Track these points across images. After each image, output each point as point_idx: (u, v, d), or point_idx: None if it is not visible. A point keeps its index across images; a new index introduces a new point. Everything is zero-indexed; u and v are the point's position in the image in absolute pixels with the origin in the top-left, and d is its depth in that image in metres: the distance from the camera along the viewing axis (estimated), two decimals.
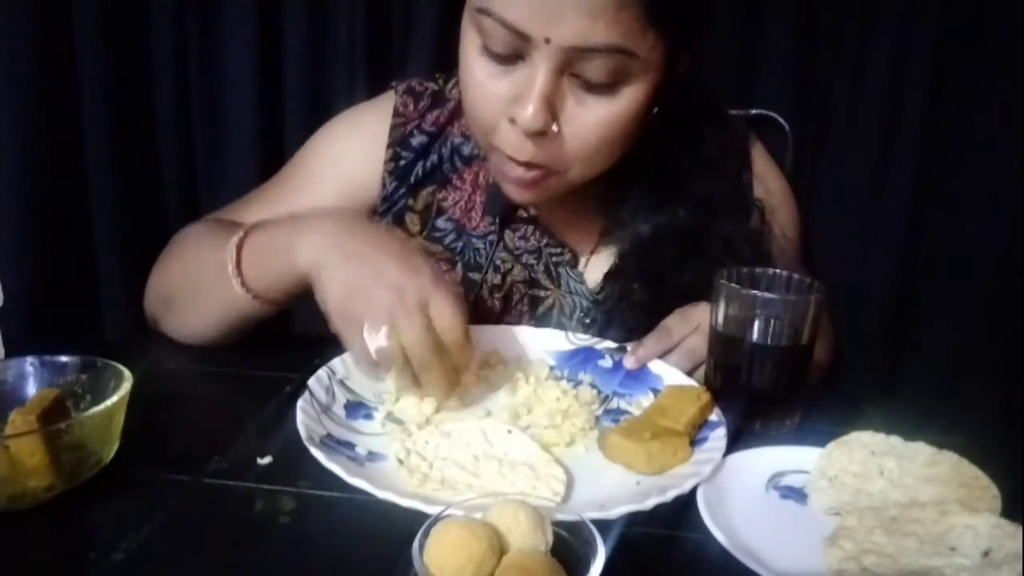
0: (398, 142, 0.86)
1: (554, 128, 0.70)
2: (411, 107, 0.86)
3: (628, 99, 0.70)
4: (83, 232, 1.02)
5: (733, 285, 0.66)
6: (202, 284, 0.74)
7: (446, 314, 0.61)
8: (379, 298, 0.61)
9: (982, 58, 0.98)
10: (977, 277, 1.02)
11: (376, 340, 0.60)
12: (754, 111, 1.05)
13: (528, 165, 0.72)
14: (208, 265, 0.73)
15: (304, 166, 0.88)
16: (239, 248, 0.70)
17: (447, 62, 0.94)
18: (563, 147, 0.71)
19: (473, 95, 0.73)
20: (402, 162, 0.86)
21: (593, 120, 0.70)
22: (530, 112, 0.68)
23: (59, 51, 0.96)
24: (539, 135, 0.69)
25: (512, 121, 0.70)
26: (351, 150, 0.87)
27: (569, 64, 0.67)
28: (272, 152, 1.07)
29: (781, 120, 1.06)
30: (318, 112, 1.05)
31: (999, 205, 1.00)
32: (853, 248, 1.07)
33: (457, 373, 0.66)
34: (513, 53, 0.68)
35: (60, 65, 0.96)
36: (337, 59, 1.07)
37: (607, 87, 0.69)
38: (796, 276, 0.70)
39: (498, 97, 0.70)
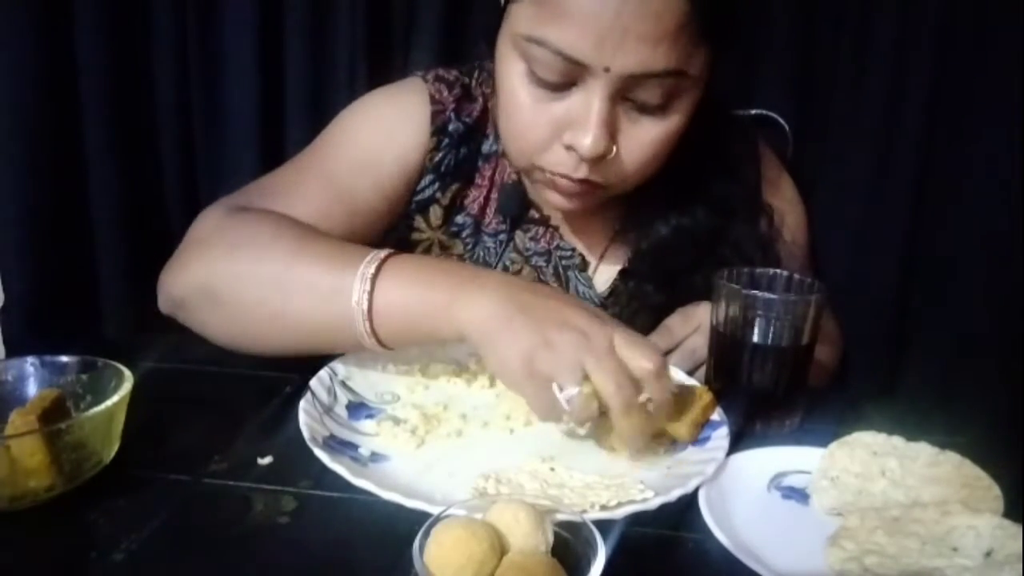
0: (440, 129, 0.82)
1: (612, 151, 0.69)
2: (445, 93, 0.83)
3: (678, 114, 0.70)
4: (83, 232, 1.02)
5: (733, 285, 0.66)
6: (294, 302, 0.64)
7: (638, 352, 0.56)
8: (564, 345, 0.55)
9: (983, 58, 0.98)
10: (977, 277, 1.02)
11: (567, 391, 0.55)
12: (754, 111, 1.05)
13: (580, 182, 0.72)
14: (311, 285, 0.63)
15: (356, 143, 0.81)
16: (371, 287, 0.61)
17: (449, 62, 0.94)
18: (619, 166, 0.71)
19: (520, 120, 0.71)
20: (441, 152, 0.83)
21: (648, 139, 0.70)
22: (590, 141, 0.67)
23: (60, 51, 0.96)
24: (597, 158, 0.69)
25: (569, 148, 0.69)
26: (402, 128, 0.82)
27: (625, 90, 0.67)
28: (272, 151, 1.07)
29: (781, 120, 1.06)
30: (318, 111, 1.05)
31: (999, 205, 0.99)
32: (853, 248, 1.07)
33: (656, 416, 0.58)
34: (566, 81, 0.67)
35: (61, 66, 0.96)
36: (337, 58, 1.07)
37: (660, 107, 0.69)
38: (796, 276, 0.70)
39: (549, 123, 0.70)
